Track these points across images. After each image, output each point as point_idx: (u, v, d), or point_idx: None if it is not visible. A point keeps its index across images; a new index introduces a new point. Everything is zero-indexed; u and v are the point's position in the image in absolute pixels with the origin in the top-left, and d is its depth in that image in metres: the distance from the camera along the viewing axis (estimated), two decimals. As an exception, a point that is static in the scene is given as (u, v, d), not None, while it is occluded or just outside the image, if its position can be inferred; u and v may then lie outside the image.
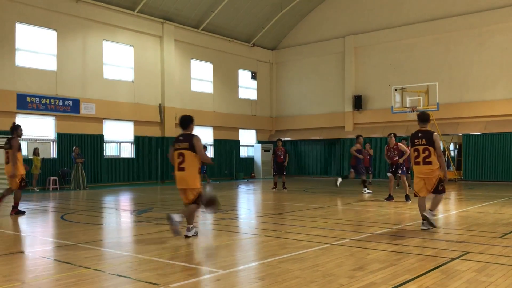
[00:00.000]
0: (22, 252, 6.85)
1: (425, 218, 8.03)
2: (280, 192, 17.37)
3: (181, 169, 7.53)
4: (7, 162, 10.61)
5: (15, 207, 10.84)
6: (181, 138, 7.72)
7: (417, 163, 8.09)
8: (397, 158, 14.24)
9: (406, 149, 13.50)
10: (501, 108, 22.88)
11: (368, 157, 20.39)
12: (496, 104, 22.98)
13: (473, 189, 18.11)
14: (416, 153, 8.15)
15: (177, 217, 7.17)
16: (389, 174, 14.19)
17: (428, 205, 8.21)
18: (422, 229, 8.02)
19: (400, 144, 14.04)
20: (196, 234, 7.66)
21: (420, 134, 8.19)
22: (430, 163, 7.97)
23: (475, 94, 23.80)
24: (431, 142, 8.03)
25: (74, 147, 20.09)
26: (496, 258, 5.87)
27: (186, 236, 7.48)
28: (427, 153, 8.01)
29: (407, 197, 13.20)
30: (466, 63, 24.07)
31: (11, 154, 10.49)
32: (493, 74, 23.36)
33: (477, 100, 23.66)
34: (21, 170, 10.63)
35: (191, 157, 7.52)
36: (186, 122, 7.81)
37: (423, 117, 8.41)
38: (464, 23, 24.04)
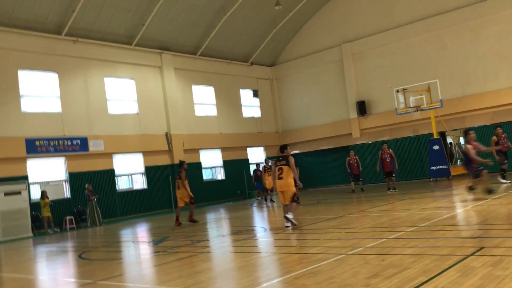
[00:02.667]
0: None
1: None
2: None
3: (280, 178, 10.94)
4: (178, 188, 15.04)
5: (190, 218, 15.08)
6: (280, 158, 11.24)
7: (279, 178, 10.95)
8: (388, 161, 15.78)
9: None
10: (506, 97, 22.79)
11: (356, 164, 20.58)
12: (500, 94, 22.89)
13: (487, 182, 17.93)
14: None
15: (290, 216, 10.71)
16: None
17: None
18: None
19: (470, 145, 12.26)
20: (295, 224, 10.70)
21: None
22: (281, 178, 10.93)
23: (478, 86, 23.76)
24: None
25: (87, 185, 20.31)
26: (511, 250, 5.85)
27: (287, 226, 10.65)
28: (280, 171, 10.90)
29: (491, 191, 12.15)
30: (465, 56, 24.09)
31: (180, 183, 14.90)
32: (493, 65, 23.33)
33: (480, 92, 23.61)
34: (189, 193, 14.83)
35: (287, 170, 10.91)
36: (283, 148, 11.49)
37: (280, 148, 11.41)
38: (458, 17, 24.13)
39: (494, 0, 23.06)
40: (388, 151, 18.01)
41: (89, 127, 21.75)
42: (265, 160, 21.94)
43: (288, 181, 10.85)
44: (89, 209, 20.08)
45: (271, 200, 21.09)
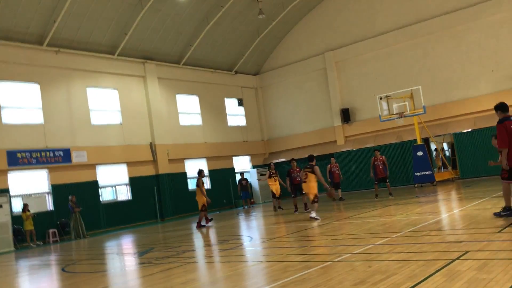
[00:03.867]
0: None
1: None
2: (303, 214, 15.87)
3: (304, 182, 13.69)
4: (197, 194, 16.43)
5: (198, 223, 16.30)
6: (307, 166, 13.72)
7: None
8: (381, 168, 15.84)
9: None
10: (488, 102, 23.00)
11: (337, 172, 20.57)
12: (482, 100, 23.19)
13: (471, 187, 18.15)
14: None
15: (313, 214, 13.16)
16: None
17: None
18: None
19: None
20: (319, 218, 12.99)
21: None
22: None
23: (460, 92, 24.07)
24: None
25: (70, 196, 19.97)
26: (495, 253, 5.89)
27: (312, 218, 13.01)
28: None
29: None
30: (446, 63, 24.42)
31: (198, 190, 16.34)
32: (474, 71, 23.68)
33: (462, 98, 23.91)
34: (204, 199, 16.16)
35: (310, 176, 13.51)
36: (311, 158, 14.00)
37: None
38: (439, 25, 24.49)
39: (474, 7, 23.46)
40: (381, 158, 17.82)
41: (72, 138, 21.49)
42: (270, 165, 19.84)
43: (310, 185, 13.44)
44: (73, 221, 19.73)
45: (279, 208, 19.17)
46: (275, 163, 29.40)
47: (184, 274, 7.63)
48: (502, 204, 11.02)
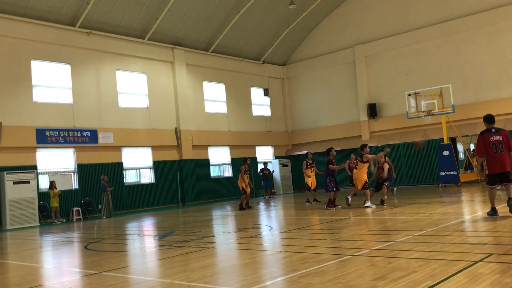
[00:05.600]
0: (40, 286, 6.97)
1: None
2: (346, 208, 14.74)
3: (355, 169, 14.41)
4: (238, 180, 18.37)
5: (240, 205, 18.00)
6: (359, 154, 14.35)
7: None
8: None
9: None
10: (519, 104, 22.55)
11: (355, 168, 19.11)
12: (513, 101, 22.65)
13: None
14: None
15: (367, 203, 13.78)
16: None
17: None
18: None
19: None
20: (373, 206, 13.70)
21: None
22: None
23: (491, 93, 23.53)
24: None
25: (102, 176, 20.39)
26: (520, 258, 5.77)
27: (367, 207, 13.69)
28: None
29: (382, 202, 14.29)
30: (478, 62, 23.87)
31: (240, 177, 18.22)
32: (506, 72, 23.09)
33: (493, 99, 23.38)
34: (244, 184, 18.00)
35: (360, 165, 14.10)
36: (362, 147, 14.27)
37: None
38: (473, 23, 23.92)
39: (508, 7, 22.81)
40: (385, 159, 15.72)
41: (99, 119, 21.85)
42: (307, 155, 18.26)
43: (359, 173, 14.06)
44: (105, 200, 20.15)
45: (316, 200, 18.10)
46: (298, 155, 29.40)
47: (204, 258, 7.71)
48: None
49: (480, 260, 5.80)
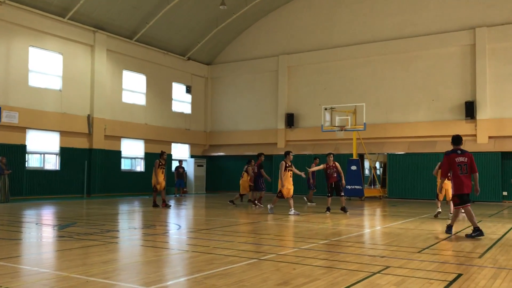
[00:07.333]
0: None
1: None
2: (342, 214, 14.76)
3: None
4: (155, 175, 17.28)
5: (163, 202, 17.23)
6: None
7: None
8: (335, 176, 15.15)
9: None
10: (423, 129, 24.24)
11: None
12: (418, 126, 24.32)
13: (396, 206, 18.94)
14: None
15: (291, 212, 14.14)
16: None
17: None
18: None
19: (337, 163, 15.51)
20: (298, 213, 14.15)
21: None
22: None
23: (400, 116, 25.08)
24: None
25: (1, 157, 18.83)
26: (413, 271, 6.14)
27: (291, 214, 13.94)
28: None
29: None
30: (392, 85, 25.36)
31: (154, 170, 17.24)
32: (415, 98, 24.75)
33: (401, 122, 24.93)
34: (155, 181, 17.18)
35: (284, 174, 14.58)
36: (286, 153, 14.85)
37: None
38: (391, 48, 25.39)
39: (426, 37, 24.51)
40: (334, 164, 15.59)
41: (5, 96, 20.26)
42: (287, 154, 14.93)
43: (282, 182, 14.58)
44: (1, 183, 18.59)
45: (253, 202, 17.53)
46: (214, 156, 29.29)
47: (106, 253, 7.38)
48: (424, 226, 11.60)
49: (378, 272, 6.09)
